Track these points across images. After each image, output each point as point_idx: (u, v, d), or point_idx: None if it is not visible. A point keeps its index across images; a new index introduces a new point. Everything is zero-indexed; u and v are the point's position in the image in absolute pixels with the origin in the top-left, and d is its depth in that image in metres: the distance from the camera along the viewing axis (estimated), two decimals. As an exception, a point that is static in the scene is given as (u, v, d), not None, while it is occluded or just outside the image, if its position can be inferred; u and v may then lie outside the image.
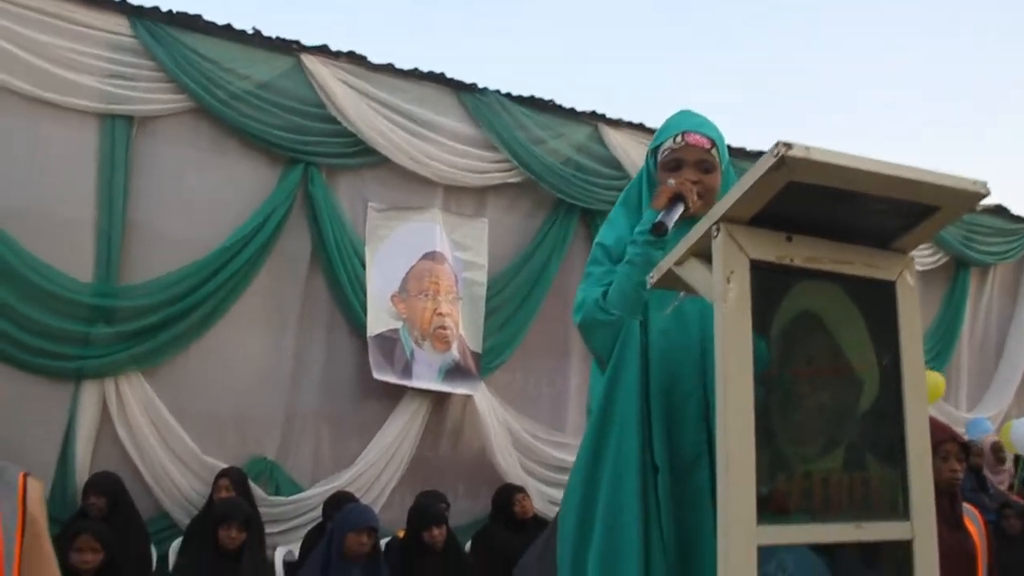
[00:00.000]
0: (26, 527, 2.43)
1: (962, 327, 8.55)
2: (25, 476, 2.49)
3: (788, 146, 1.66)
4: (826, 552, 1.97)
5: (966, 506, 3.70)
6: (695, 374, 2.51)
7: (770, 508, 1.83)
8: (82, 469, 4.90)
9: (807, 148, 1.68)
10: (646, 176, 2.70)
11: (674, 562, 2.51)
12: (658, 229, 2.32)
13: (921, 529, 1.95)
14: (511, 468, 5.87)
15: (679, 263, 2.09)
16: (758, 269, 1.90)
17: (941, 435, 3.57)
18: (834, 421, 2.00)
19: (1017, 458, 7.63)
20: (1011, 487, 7.41)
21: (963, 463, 3.57)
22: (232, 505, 4.53)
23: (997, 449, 7.33)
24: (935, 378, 7.11)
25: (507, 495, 5.54)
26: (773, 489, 1.87)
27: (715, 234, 1.91)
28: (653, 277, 2.23)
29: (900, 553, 1.93)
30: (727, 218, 1.89)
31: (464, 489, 5.81)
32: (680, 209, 2.42)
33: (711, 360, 2.52)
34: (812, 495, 1.95)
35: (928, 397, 2.53)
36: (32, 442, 4.76)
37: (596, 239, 2.65)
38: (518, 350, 6.10)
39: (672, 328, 2.58)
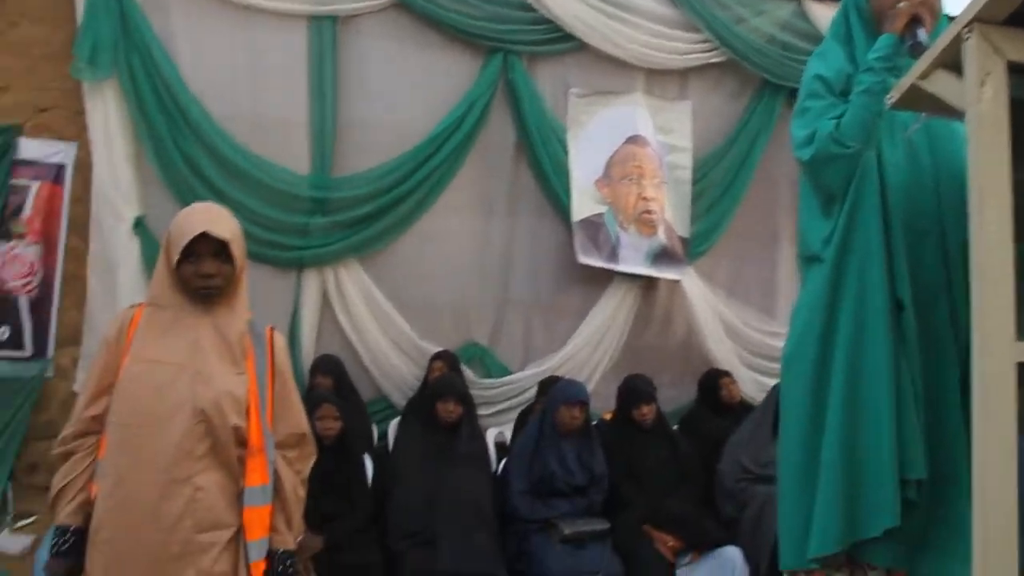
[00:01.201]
0: (276, 374, 2.59)
1: None
2: (272, 329, 2.64)
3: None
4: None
5: None
6: (931, 211, 2.36)
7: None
8: (307, 353, 5.18)
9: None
10: (853, 6, 2.55)
11: (923, 394, 2.41)
12: (915, 49, 2.18)
13: None
14: (723, 355, 5.78)
15: (923, 76, 1.94)
16: (1018, 73, 1.74)
17: None
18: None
19: None
20: None
21: None
22: (449, 381, 4.68)
23: None
24: None
25: (714, 379, 5.47)
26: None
27: (966, 36, 1.76)
28: (893, 96, 2.09)
29: None
30: (979, 18, 1.73)
31: (670, 377, 5.76)
32: (922, 31, 2.26)
33: (947, 196, 2.37)
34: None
35: None
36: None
37: (810, 73, 2.51)
38: (725, 235, 5.95)
39: (903, 163, 2.43)
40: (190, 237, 2.42)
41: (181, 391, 2.38)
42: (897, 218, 2.41)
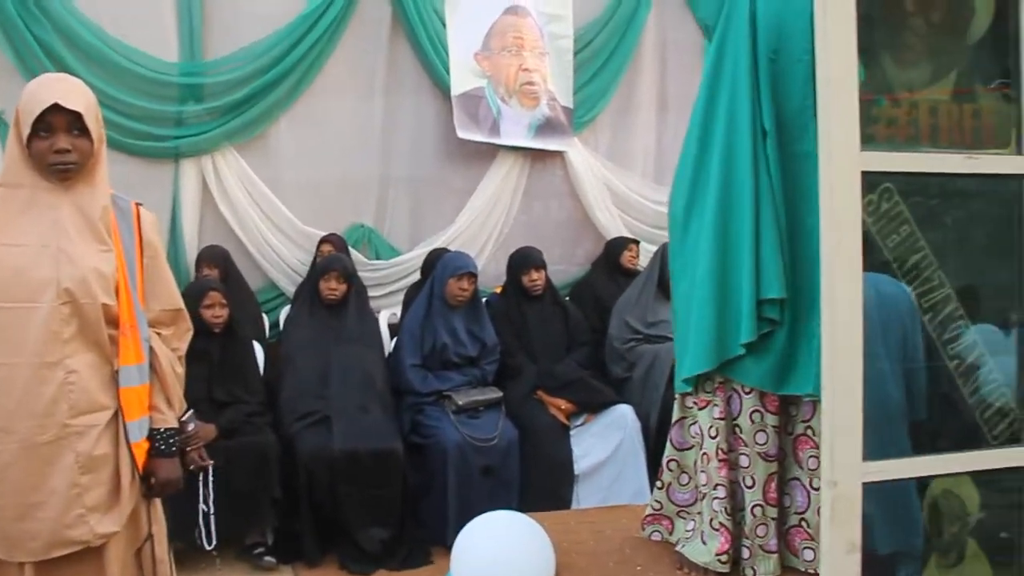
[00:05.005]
0: (144, 248, 2.51)
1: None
2: (137, 205, 2.54)
3: None
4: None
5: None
6: (803, 37, 2.41)
7: (876, 138, 1.75)
8: (191, 245, 5.06)
9: None
10: None
11: (783, 217, 2.51)
12: None
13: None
14: (612, 225, 5.81)
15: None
16: None
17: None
18: (943, 45, 1.89)
19: None
20: None
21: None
22: (330, 259, 4.64)
23: None
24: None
25: (621, 245, 5.56)
26: (877, 116, 1.79)
27: None
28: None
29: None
30: None
31: (561, 251, 5.81)
32: None
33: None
34: (919, 124, 1.87)
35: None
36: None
37: None
38: (611, 104, 5.91)
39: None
40: (41, 109, 2.28)
41: (44, 272, 2.28)
42: (765, 47, 2.46)
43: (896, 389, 2.04)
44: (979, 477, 2.00)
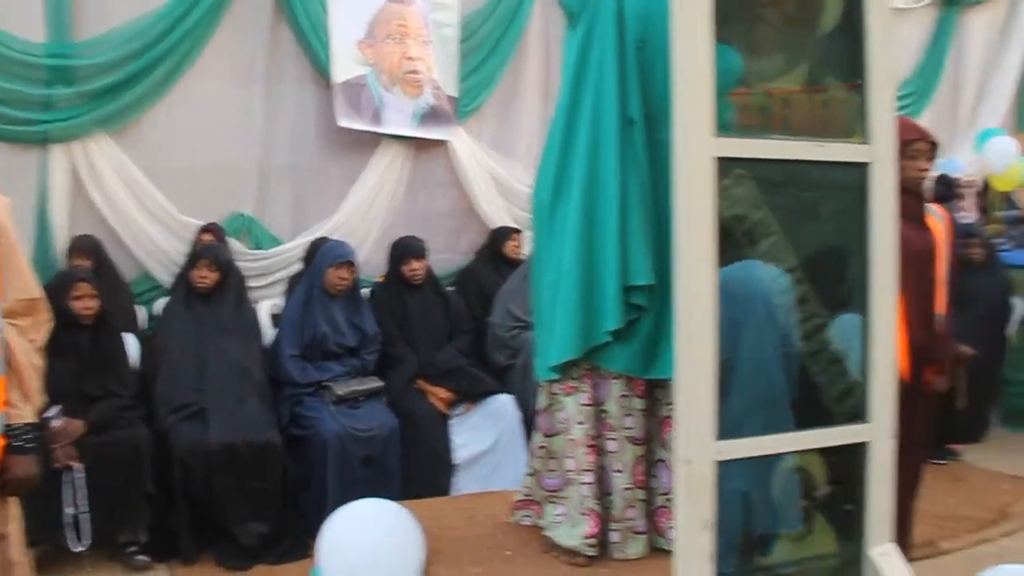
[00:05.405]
0: (-4, 232, 2.40)
1: (944, 68, 8.43)
2: (-16, 188, 2.44)
3: None
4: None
5: (930, 205, 3.71)
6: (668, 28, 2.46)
7: (729, 126, 1.81)
8: (61, 235, 4.86)
9: None
10: None
11: (650, 203, 2.56)
12: None
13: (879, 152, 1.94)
14: (497, 215, 5.83)
15: None
16: None
17: (911, 134, 3.54)
18: (795, 37, 1.96)
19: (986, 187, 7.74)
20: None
21: (932, 162, 3.56)
22: (202, 248, 4.55)
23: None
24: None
25: (505, 234, 5.59)
26: (730, 105, 1.84)
27: None
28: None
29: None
30: None
31: (445, 240, 5.80)
32: None
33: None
34: (772, 113, 1.93)
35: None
36: (10, 211, 4.69)
37: None
38: (496, 93, 5.92)
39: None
40: None
41: None
42: (633, 36, 2.51)
43: (777, 372, 2.10)
44: (827, 453, 2.09)
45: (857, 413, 2.07)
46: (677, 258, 1.79)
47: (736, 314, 2.01)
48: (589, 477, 2.95)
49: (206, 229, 4.97)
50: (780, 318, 2.11)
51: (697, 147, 1.77)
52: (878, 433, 2.07)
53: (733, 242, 1.88)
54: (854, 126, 2.01)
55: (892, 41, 2.01)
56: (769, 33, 2.03)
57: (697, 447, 1.83)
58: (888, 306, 2.03)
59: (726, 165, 1.83)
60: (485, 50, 5.86)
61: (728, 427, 1.89)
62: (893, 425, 2.08)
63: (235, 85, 5.22)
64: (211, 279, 4.33)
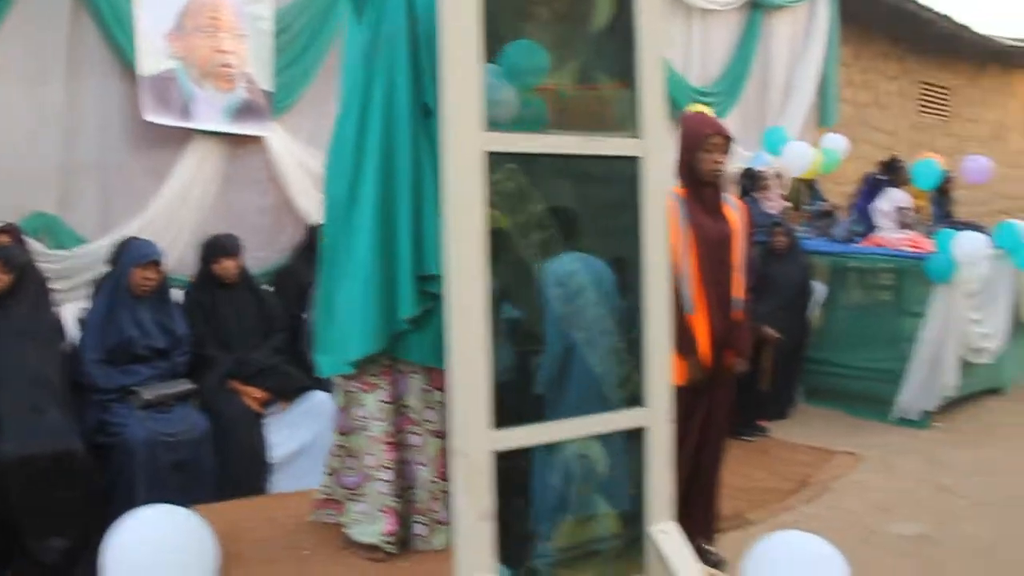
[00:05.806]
0: None
1: (750, 69, 8.87)
2: None
3: None
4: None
5: (727, 196, 3.91)
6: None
7: (500, 120, 1.85)
8: None
9: None
10: None
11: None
12: None
13: (649, 146, 2.02)
14: (315, 211, 5.70)
15: None
16: None
17: (708, 129, 3.72)
18: (568, 34, 2.02)
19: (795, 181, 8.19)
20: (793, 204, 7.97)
21: (727, 156, 3.75)
22: (-7, 249, 4.29)
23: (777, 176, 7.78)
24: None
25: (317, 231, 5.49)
26: (501, 101, 1.89)
27: None
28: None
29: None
30: None
31: (264, 237, 5.71)
32: None
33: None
34: (547, 108, 1.99)
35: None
36: None
37: None
38: (313, 87, 5.83)
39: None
40: None
41: None
42: (426, 27, 2.53)
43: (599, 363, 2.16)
44: (606, 439, 2.16)
45: (635, 398, 2.14)
46: (447, 250, 1.81)
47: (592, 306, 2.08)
48: (388, 475, 2.96)
49: (1, 230, 4.70)
50: (561, 309, 2.16)
51: (465, 141, 1.80)
52: (655, 418, 2.15)
53: (504, 236, 1.93)
54: (626, 122, 2.08)
55: (663, 40, 2.09)
56: (541, 29, 2.08)
57: (473, 438, 1.86)
58: (660, 292, 2.11)
59: (496, 160, 1.87)
60: (301, 44, 5.78)
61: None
62: (670, 409, 2.16)
63: (31, 79, 4.92)
64: (4, 281, 4.10)
